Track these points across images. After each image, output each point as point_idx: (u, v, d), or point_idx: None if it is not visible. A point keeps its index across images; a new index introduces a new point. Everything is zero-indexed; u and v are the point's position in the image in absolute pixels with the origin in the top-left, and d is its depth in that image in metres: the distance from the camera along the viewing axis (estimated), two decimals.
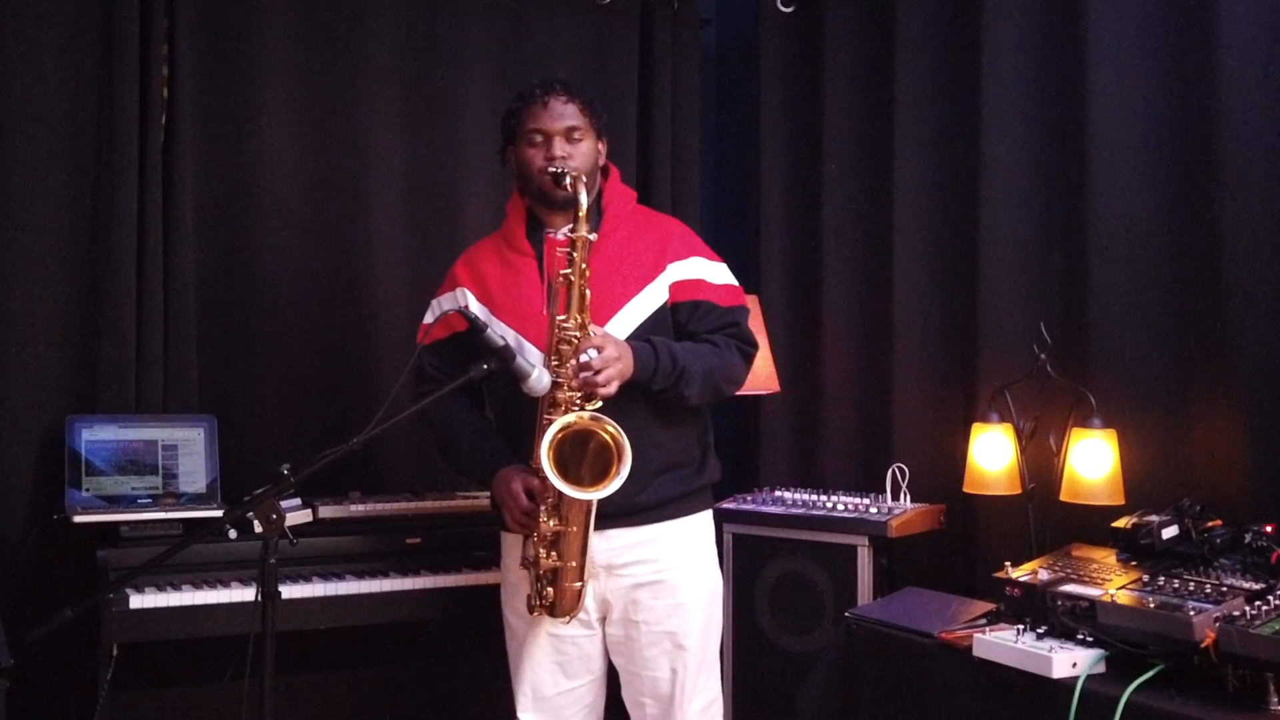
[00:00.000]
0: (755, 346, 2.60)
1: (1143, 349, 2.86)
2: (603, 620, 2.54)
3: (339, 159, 3.47)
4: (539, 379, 2.31)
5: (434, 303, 2.67)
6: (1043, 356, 2.91)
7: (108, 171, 3.10)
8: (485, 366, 2.30)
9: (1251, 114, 2.65)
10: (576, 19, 3.81)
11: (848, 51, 3.67)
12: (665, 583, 2.50)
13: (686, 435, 2.56)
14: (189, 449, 3.04)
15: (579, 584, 2.39)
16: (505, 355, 2.29)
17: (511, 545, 2.56)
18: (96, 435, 2.97)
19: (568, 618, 2.43)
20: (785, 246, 3.83)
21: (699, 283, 2.54)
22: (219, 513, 2.91)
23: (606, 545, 2.46)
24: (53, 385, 3.06)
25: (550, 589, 2.40)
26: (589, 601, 2.47)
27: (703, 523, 2.60)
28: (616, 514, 2.40)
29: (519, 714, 2.56)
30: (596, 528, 2.39)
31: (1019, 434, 2.96)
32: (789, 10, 3.83)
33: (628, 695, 2.59)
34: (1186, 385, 2.79)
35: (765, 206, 3.88)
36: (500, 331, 2.48)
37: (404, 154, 3.56)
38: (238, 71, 3.33)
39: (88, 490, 2.94)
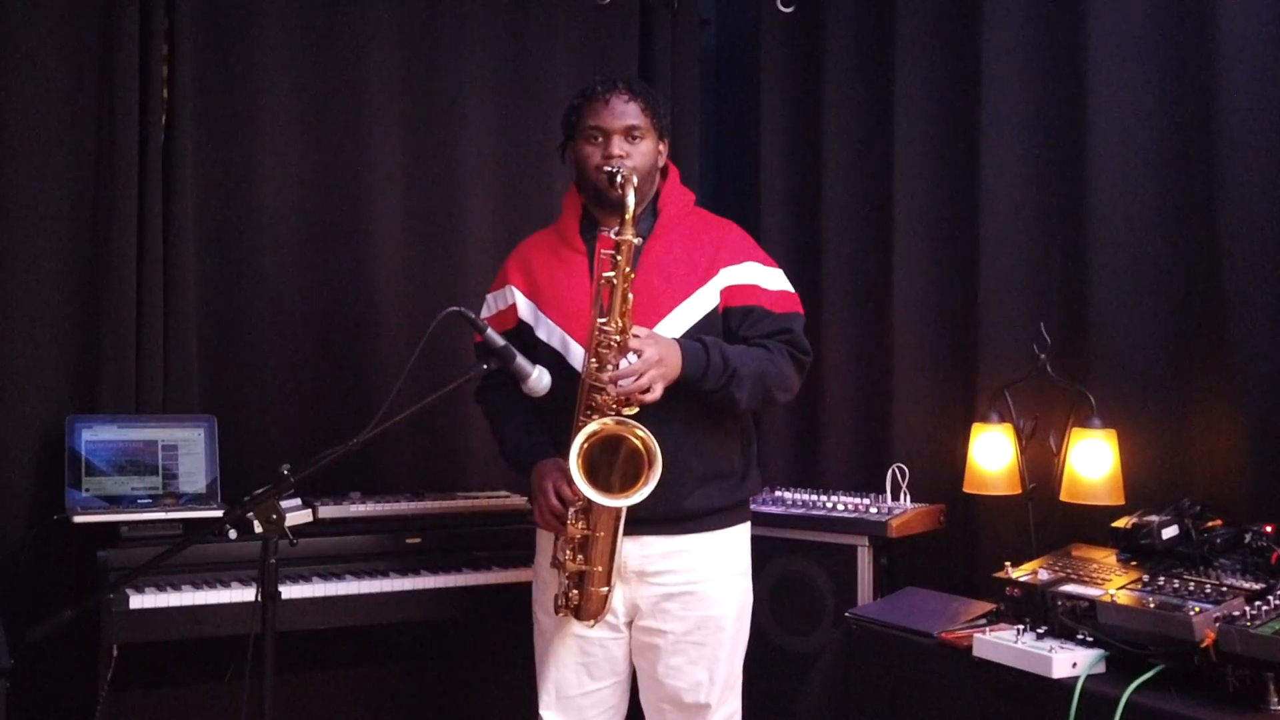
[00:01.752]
0: (809, 354, 2.54)
1: (1143, 349, 2.86)
2: (630, 624, 2.51)
3: (339, 159, 3.46)
4: (538, 379, 2.30)
5: (488, 298, 2.66)
6: (1043, 356, 2.91)
7: (108, 172, 3.11)
8: (485, 366, 2.29)
9: (1251, 114, 2.65)
10: (576, 19, 3.81)
11: (848, 51, 3.67)
12: (696, 594, 2.46)
13: (731, 445, 2.52)
14: (189, 449, 3.04)
15: (605, 589, 2.36)
16: (505, 355, 2.28)
17: (545, 542, 2.53)
18: (96, 435, 2.97)
19: (593, 621, 2.41)
20: (785, 246, 3.82)
21: (752, 288, 2.50)
22: (219, 513, 2.90)
23: (641, 551, 2.43)
24: (53, 385, 3.06)
25: (576, 591, 2.38)
26: (617, 604, 2.45)
27: (740, 536, 2.56)
28: (654, 520, 2.37)
29: (541, 712, 2.53)
30: (633, 533, 2.36)
31: (1019, 434, 2.96)
32: (789, 10, 3.83)
33: (647, 700, 2.56)
34: (1186, 385, 2.79)
35: (765, 206, 3.88)
36: (547, 330, 2.49)
37: (404, 154, 3.56)
38: (238, 72, 3.33)
39: (88, 490, 2.94)
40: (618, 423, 2.26)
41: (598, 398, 2.30)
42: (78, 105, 3.10)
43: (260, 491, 2.12)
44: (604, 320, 2.30)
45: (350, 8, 3.47)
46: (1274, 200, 2.62)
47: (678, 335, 2.41)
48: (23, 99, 3.03)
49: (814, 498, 3.32)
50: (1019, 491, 2.95)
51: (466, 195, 3.63)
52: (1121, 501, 2.73)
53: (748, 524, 2.59)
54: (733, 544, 2.54)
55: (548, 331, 2.50)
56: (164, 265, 3.17)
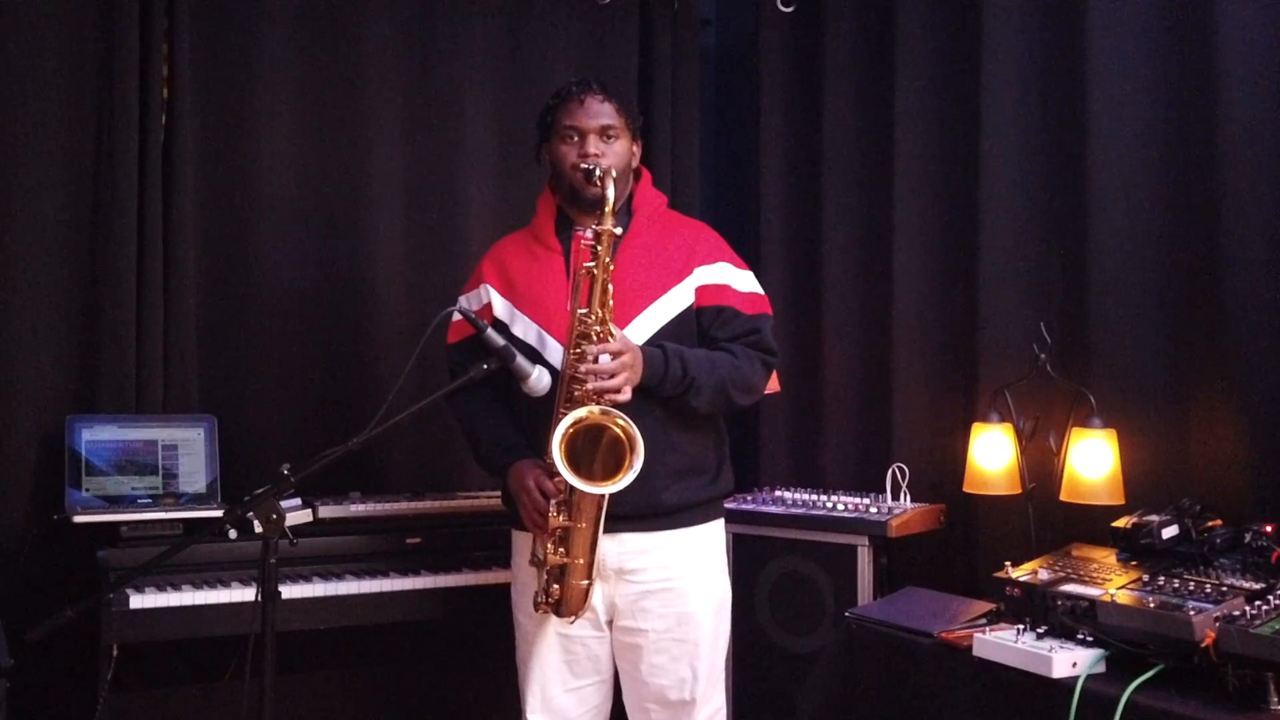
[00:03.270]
0: (775, 356, 2.58)
1: (1143, 349, 2.86)
2: (610, 623, 2.52)
3: (339, 158, 3.47)
4: (538, 379, 2.31)
5: (461, 299, 2.66)
6: (1043, 356, 2.91)
7: (108, 171, 3.11)
8: (485, 366, 2.30)
9: (1251, 114, 2.65)
10: (576, 19, 3.81)
11: (848, 51, 3.67)
12: (674, 590, 2.48)
13: (704, 441, 2.55)
14: (189, 449, 3.04)
15: (586, 582, 2.38)
16: (505, 355, 2.29)
17: (522, 543, 2.54)
18: (96, 435, 2.97)
19: (573, 617, 2.42)
20: (785, 246, 3.83)
21: (724, 288, 2.53)
22: (219, 513, 2.91)
23: (618, 549, 2.44)
24: (53, 385, 3.06)
25: (557, 586, 2.39)
26: (597, 604, 2.46)
27: (715, 532, 2.59)
28: (630, 517, 2.39)
29: (527, 715, 2.54)
30: (610, 530, 2.37)
31: (1019, 434, 2.96)
32: (789, 10, 3.83)
33: (631, 701, 2.57)
34: (1186, 385, 2.79)
35: (765, 206, 3.88)
36: (523, 326, 2.50)
37: (404, 153, 3.56)
38: (238, 70, 3.33)
39: (88, 490, 2.94)
40: (602, 412, 2.28)
41: (577, 390, 2.32)
42: (78, 105, 3.10)
43: (260, 491, 2.12)
44: (584, 311, 2.33)
45: (350, 7, 3.47)
46: (1274, 200, 2.62)
47: (653, 332, 2.45)
48: (23, 99, 3.03)
49: (814, 498, 3.32)
50: (1019, 491, 2.95)
51: (467, 194, 3.63)
52: (1121, 501, 2.73)
53: (722, 520, 2.63)
54: (708, 540, 2.57)
55: (524, 328, 2.51)
56: (164, 265, 3.17)
